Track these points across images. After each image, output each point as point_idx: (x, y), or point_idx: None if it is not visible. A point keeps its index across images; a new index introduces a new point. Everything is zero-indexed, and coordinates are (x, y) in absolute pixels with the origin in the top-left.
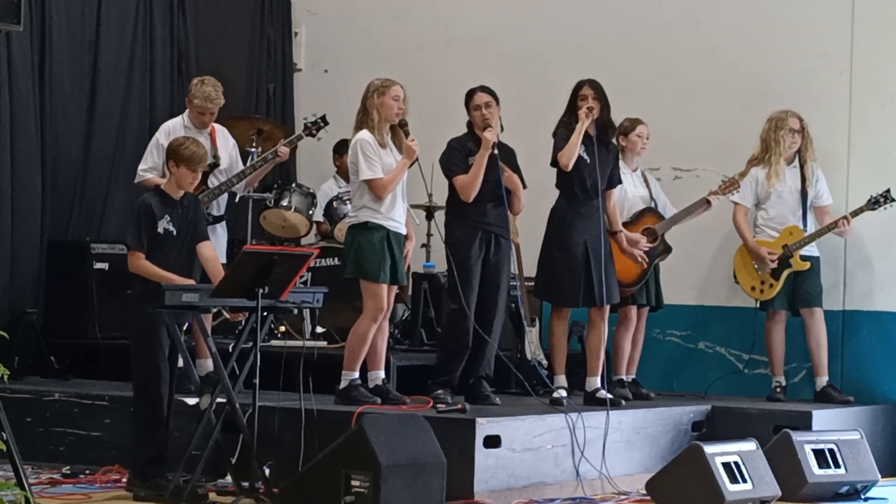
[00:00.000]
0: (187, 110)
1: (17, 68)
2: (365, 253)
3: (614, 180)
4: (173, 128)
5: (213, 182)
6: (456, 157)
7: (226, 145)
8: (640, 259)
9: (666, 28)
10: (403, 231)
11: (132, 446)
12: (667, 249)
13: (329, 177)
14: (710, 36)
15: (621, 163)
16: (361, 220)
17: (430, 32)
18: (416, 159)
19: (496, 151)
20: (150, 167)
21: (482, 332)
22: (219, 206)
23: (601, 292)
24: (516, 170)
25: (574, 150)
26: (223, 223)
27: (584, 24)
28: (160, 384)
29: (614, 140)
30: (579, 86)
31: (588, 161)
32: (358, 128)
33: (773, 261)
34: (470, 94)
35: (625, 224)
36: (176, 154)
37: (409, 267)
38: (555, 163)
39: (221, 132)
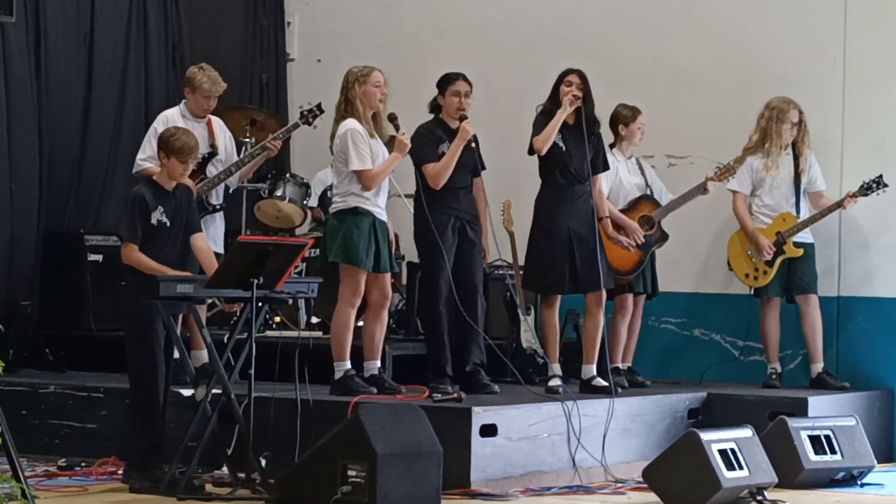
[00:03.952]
0: (184, 100)
1: (14, 60)
2: (353, 238)
3: (599, 166)
4: (170, 117)
5: (211, 171)
6: (426, 145)
7: (222, 136)
8: (625, 245)
9: (660, 15)
10: (386, 218)
11: (128, 438)
12: (663, 237)
13: (326, 165)
14: (705, 23)
15: (616, 151)
16: (350, 206)
17: (423, 22)
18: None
19: (473, 144)
20: (148, 157)
21: (468, 319)
22: (217, 195)
23: (587, 278)
24: (477, 153)
25: (550, 134)
26: (221, 213)
27: (578, 11)
28: (156, 375)
29: (618, 129)
30: (565, 73)
31: (566, 149)
32: (341, 118)
33: (770, 251)
34: (450, 79)
35: (622, 211)
36: (167, 145)
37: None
38: (532, 149)
39: (218, 123)
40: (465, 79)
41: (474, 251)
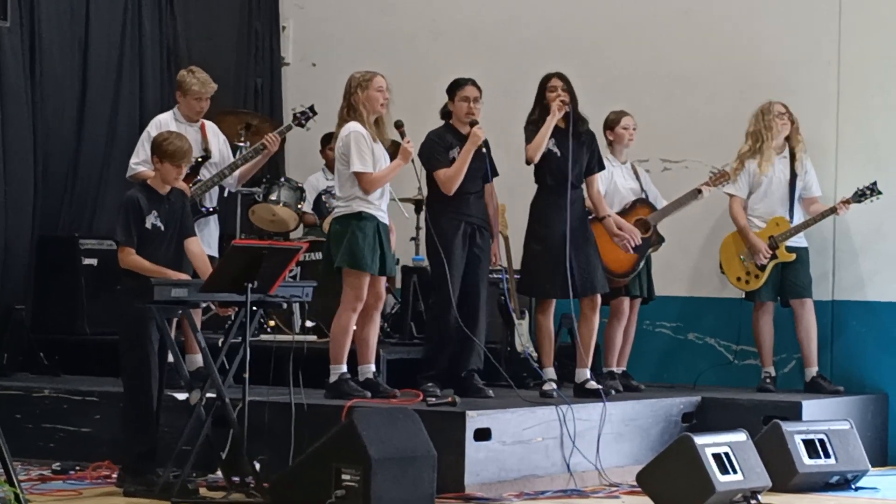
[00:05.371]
0: (177, 105)
1: (9, 65)
2: (359, 242)
3: (594, 167)
4: (164, 122)
5: (204, 175)
6: (437, 151)
7: (216, 140)
8: (627, 244)
9: (655, 19)
10: (388, 222)
11: (122, 442)
12: (659, 240)
13: (317, 169)
14: (700, 27)
15: (611, 155)
16: (355, 210)
17: (418, 25)
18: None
19: (484, 150)
20: (141, 161)
21: (468, 324)
22: (211, 199)
23: (582, 282)
24: (489, 158)
25: (542, 142)
26: (215, 216)
27: (574, 15)
28: (150, 379)
29: (605, 135)
30: (547, 78)
31: (559, 154)
32: (343, 122)
33: (767, 256)
34: (460, 84)
35: (618, 214)
36: (160, 149)
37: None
38: (528, 160)
39: (211, 127)
40: (474, 84)
41: (482, 258)
